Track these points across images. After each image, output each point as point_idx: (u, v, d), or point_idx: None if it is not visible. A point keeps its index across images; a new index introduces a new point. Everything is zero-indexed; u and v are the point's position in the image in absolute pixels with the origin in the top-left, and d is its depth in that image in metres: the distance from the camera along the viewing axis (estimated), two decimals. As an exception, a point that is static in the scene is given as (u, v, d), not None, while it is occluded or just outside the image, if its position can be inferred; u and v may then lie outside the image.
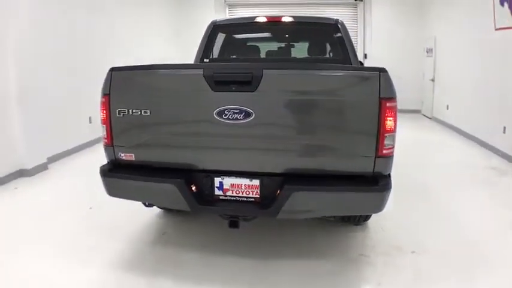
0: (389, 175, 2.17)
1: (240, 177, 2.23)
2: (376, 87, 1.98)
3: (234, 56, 4.25)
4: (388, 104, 1.99)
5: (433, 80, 8.28)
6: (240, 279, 2.41)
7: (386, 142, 2.03)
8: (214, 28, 4.01)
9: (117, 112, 2.26)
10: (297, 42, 4.49)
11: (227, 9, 10.34)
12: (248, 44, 4.43)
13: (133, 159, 2.34)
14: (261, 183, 2.21)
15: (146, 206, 2.66)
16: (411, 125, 7.74)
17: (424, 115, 8.97)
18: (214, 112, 2.10)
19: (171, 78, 2.29)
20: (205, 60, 4.00)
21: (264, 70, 2.06)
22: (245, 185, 2.24)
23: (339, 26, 3.68)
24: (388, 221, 3.13)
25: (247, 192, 2.26)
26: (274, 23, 4.01)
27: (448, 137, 6.78)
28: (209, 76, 2.10)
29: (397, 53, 9.27)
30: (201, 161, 2.29)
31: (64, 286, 2.33)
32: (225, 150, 2.24)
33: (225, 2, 10.09)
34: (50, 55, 4.98)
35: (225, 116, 2.10)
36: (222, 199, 2.29)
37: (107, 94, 2.27)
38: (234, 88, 2.10)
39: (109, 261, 2.58)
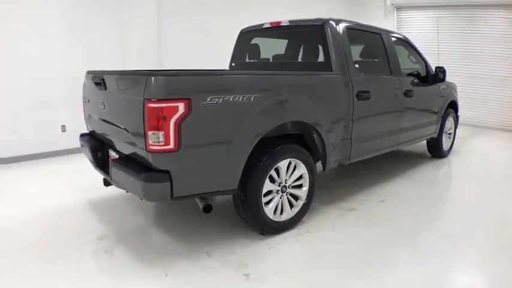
0: (166, 171, 2.27)
1: (115, 152, 2.85)
2: (142, 89, 2.22)
3: (248, 59, 4.34)
4: (149, 105, 2.18)
5: None
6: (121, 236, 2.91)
7: (151, 139, 2.22)
8: (241, 34, 4.43)
9: (84, 100, 3.39)
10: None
11: (395, 13, 10.00)
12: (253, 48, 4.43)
13: (90, 129, 3.42)
14: (119, 157, 2.78)
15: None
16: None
17: None
18: (98, 103, 2.92)
19: (89, 81, 3.12)
20: (232, 64, 4.45)
21: (104, 75, 2.76)
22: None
23: (325, 27, 3.36)
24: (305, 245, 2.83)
25: None
26: (276, 28, 3.97)
27: None
28: (91, 79, 2.96)
29: None
30: (103, 136, 3.09)
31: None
32: (108, 131, 2.96)
33: (392, 4, 9.84)
34: (170, 54, 5.86)
35: (101, 105, 2.88)
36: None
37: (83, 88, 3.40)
38: (100, 88, 2.84)
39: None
